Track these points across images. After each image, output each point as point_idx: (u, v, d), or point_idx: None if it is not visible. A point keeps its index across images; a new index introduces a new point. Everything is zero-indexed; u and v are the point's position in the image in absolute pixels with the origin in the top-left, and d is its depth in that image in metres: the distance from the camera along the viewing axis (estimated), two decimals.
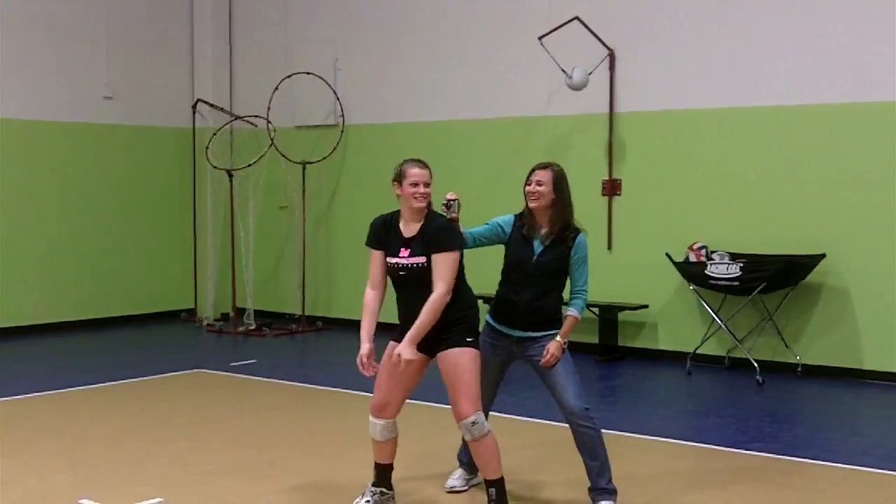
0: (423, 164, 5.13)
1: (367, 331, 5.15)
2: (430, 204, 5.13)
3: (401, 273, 5.08)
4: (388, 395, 5.18)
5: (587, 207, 9.75)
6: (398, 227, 5.13)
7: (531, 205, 5.28)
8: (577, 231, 5.29)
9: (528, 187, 5.30)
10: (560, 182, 5.29)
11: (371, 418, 5.24)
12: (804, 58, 9.19)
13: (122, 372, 9.27)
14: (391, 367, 5.07)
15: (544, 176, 5.28)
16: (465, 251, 5.17)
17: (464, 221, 5.31)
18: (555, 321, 5.28)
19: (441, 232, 5.03)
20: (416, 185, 5.05)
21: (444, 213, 5.23)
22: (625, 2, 10.10)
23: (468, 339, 5.05)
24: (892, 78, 8.76)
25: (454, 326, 5.04)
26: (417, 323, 4.95)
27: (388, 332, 5.24)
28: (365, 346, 5.12)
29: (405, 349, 4.93)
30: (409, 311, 5.10)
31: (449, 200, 5.27)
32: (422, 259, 5.00)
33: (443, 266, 4.97)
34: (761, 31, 9.39)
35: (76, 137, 11.92)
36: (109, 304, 12.28)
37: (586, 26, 9.95)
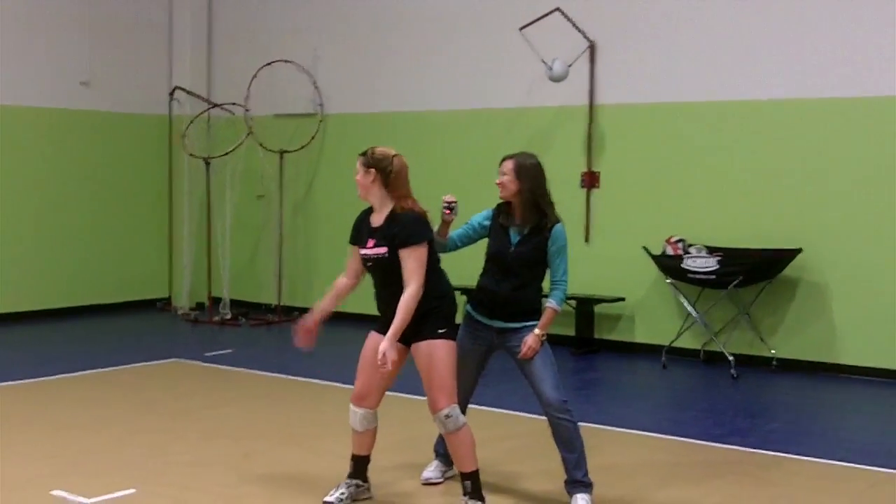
0: (361, 154, 5.12)
1: (321, 304, 5.31)
2: (397, 193, 5.06)
3: (368, 264, 5.09)
4: (369, 385, 5.17)
5: (566, 200, 9.72)
6: (369, 218, 5.14)
7: (500, 195, 5.30)
8: (554, 221, 5.28)
9: (497, 179, 5.32)
10: (524, 171, 5.25)
11: (351, 407, 5.23)
12: (783, 52, 9.21)
13: (98, 361, 9.20)
14: (377, 364, 5.04)
15: (507, 166, 5.28)
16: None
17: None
18: (534, 312, 5.27)
19: (405, 227, 4.98)
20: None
21: (447, 216, 5.21)
22: None
23: (441, 331, 5.03)
24: (872, 74, 8.80)
25: (428, 317, 5.02)
26: (395, 322, 4.91)
27: (363, 323, 5.22)
28: (310, 315, 5.25)
29: (387, 348, 4.90)
30: (380, 303, 5.15)
31: (450, 203, 5.24)
32: (383, 250, 4.98)
33: (409, 262, 4.94)
34: (741, 24, 9.41)
35: (52, 123, 11.81)
36: (85, 293, 12.19)
37: (567, 18, 9.93)
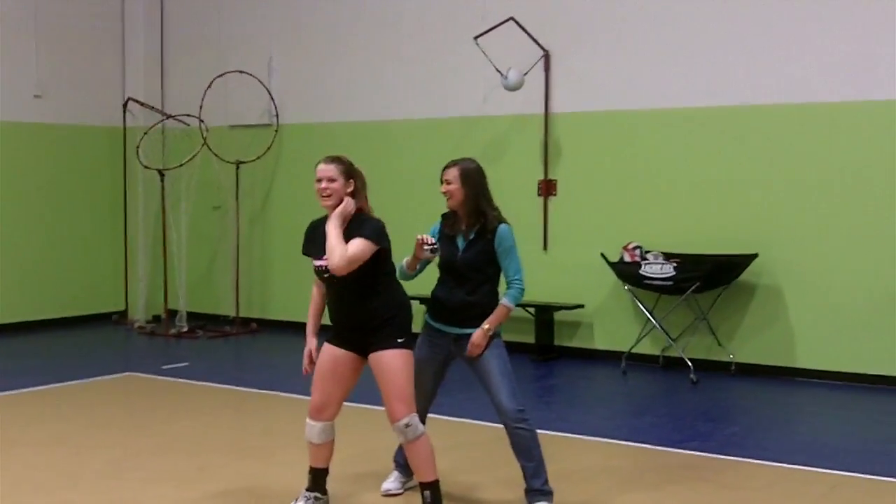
0: (331, 159, 5.02)
1: (309, 327, 5.23)
2: (362, 205, 5.04)
3: (325, 276, 5.01)
4: (326, 397, 5.12)
5: (523, 208, 9.83)
6: (324, 229, 5.03)
7: (448, 204, 5.28)
8: (498, 222, 5.26)
9: (441, 188, 5.29)
10: (468, 177, 5.26)
11: (308, 421, 5.17)
12: (734, 58, 9.27)
13: (52, 376, 9.06)
14: (334, 375, 5.02)
15: (451, 174, 5.28)
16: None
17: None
18: (489, 316, 5.24)
19: (362, 225, 4.92)
20: (319, 180, 4.97)
21: (429, 257, 5.15)
22: (559, 3, 10.12)
23: (399, 340, 4.99)
24: (824, 79, 8.87)
25: (384, 326, 4.98)
26: (335, 228, 4.87)
27: (321, 334, 5.18)
28: (308, 342, 5.18)
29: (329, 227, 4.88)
30: (337, 315, 5.09)
31: (433, 246, 5.15)
32: None
33: (355, 243, 4.84)
34: (693, 31, 9.46)
35: (4, 136, 11.64)
36: (38, 307, 12.02)
37: (521, 27, 9.94)
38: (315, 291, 5.24)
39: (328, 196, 4.95)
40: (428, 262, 5.25)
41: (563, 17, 10.09)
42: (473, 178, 5.27)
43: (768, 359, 9.21)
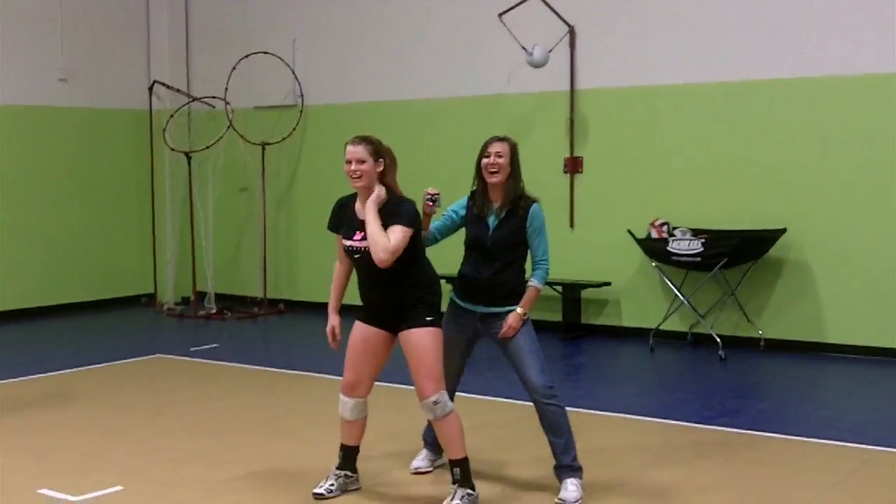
0: (360, 139, 5.00)
1: (332, 304, 5.26)
2: (390, 183, 5.04)
3: (356, 256, 5.02)
4: (359, 374, 5.15)
5: (549, 185, 9.80)
6: (354, 209, 5.05)
7: (491, 179, 5.23)
8: (531, 200, 5.25)
9: (485, 160, 5.24)
10: (515, 155, 5.28)
11: (342, 397, 5.20)
12: (762, 32, 9.19)
13: (82, 358, 9.14)
14: (366, 353, 5.06)
15: (503, 148, 5.24)
16: None
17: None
18: (517, 295, 5.24)
19: (397, 210, 4.92)
20: (349, 162, 4.96)
21: (427, 207, 5.16)
22: None
23: (428, 318, 4.99)
24: (853, 52, 8.79)
25: (414, 305, 5.00)
26: (373, 220, 4.87)
27: (348, 314, 5.18)
28: (331, 319, 5.22)
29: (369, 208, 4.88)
30: (368, 294, 5.09)
31: (433, 195, 5.18)
32: None
33: (395, 231, 4.86)
34: (720, 6, 9.38)
35: (31, 120, 11.71)
36: (68, 290, 12.11)
37: (546, 3, 9.89)
38: (338, 269, 5.24)
39: (359, 178, 4.95)
40: (431, 215, 5.22)
41: None
42: (517, 157, 5.27)
43: (797, 334, 9.16)
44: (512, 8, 9.82)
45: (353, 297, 5.20)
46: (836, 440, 6.28)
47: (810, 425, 6.66)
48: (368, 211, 4.90)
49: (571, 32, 10.04)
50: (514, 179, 5.24)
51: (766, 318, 9.29)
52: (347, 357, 5.17)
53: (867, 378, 8.28)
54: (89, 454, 6.11)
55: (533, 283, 5.23)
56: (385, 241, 4.83)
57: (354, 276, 5.20)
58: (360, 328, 5.14)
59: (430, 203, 5.20)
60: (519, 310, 5.18)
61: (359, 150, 4.95)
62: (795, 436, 6.39)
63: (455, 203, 5.41)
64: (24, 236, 11.62)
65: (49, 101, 11.89)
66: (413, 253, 4.98)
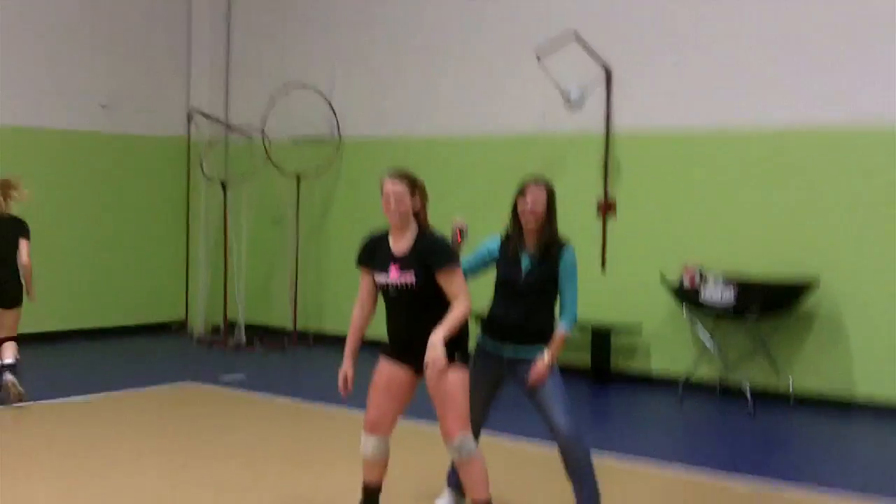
0: (398, 175, 5.00)
1: (349, 348, 5.14)
2: (423, 220, 5.06)
3: (391, 293, 5.01)
4: (382, 412, 5.12)
5: (582, 227, 9.78)
6: (388, 244, 5.05)
7: (528, 227, 5.23)
8: (564, 244, 5.25)
9: (523, 207, 5.25)
10: (553, 199, 5.29)
11: (363, 435, 5.16)
12: (803, 79, 9.15)
13: (112, 384, 9.19)
14: (390, 390, 5.02)
15: (540, 195, 5.25)
16: None
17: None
18: (545, 338, 5.23)
19: (440, 249, 4.93)
20: (387, 198, 4.96)
21: (454, 239, 5.18)
22: (622, 20, 10.08)
23: (456, 359, 4.98)
24: (891, 103, 8.74)
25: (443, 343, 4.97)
26: (445, 328, 4.79)
27: (377, 349, 5.17)
28: (345, 364, 5.11)
29: (434, 351, 4.75)
30: (397, 330, 5.06)
31: (461, 227, 5.21)
32: (410, 278, 4.92)
33: (455, 282, 4.88)
34: (759, 52, 9.37)
35: (71, 145, 11.87)
36: (101, 315, 12.19)
37: (583, 43, 9.92)
38: (357, 312, 5.16)
39: (397, 214, 4.95)
40: (458, 246, 5.22)
41: (625, 35, 10.05)
42: (554, 201, 5.28)
43: (827, 387, 9.06)
44: (550, 48, 9.85)
45: (374, 333, 5.16)
46: (865, 494, 6.19)
47: (839, 480, 6.57)
48: (439, 337, 4.81)
49: (608, 74, 10.06)
50: (550, 224, 5.25)
51: (797, 370, 9.19)
52: (370, 394, 5.15)
53: None
54: (116, 478, 6.14)
55: (561, 329, 5.22)
56: (462, 309, 4.84)
57: (380, 311, 5.18)
58: (385, 365, 5.12)
59: (459, 234, 5.21)
60: (546, 357, 5.16)
61: (397, 186, 4.96)
62: (824, 490, 6.31)
63: (489, 240, 5.41)
64: (58, 259, 11.72)
65: (89, 127, 12.04)
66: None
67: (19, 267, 8.39)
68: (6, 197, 8.43)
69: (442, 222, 5.25)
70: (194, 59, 13.03)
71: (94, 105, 12.07)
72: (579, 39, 9.87)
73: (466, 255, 5.37)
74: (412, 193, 4.98)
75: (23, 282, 8.43)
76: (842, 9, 9.00)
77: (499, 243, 5.38)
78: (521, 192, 5.29)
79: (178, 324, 12.87)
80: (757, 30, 9.39)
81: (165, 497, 5.77)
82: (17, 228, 8.49)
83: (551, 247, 5.24)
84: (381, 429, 5.13)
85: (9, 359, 8.23)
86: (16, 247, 8.39)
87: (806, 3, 9.18)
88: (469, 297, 4.90)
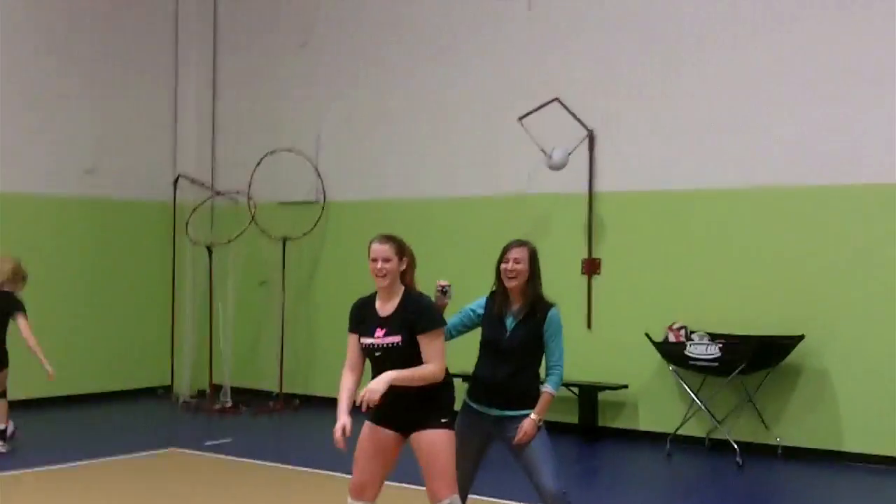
0: (385, 238, 5.05)
1: (343, 406, 5.03)
2: (409, 281, 5.10)
3: (376, 354, 5.02)
4: (367, 476, 5.09)
5: (567, 286, 9.82)
6: (374, 306, 5.08)
7: (509, 284, 5.28)
8: (549, 305, 5.28)
9: (504, 265, 5.31)
10: (534, 259, 5.34)
11: (350, 500, 5.13)
12: (781, 140, 9.28)
13: (97, 450, 9.11)
14: (374, 455, 5.01)
15: (521, 254, 5.31)
16: None
17: (449, 304, 5.28)
18: (531, 399, 5.24)
19: (425, 312, 4.97)
20: (374, 261, 5.00)
21: (438, 299, 5.22)
22: (604, 83, 10.21)
23: (443, 420, 4.98)
24: (874, 160, 8.85)
25: (429, 406, 4.98)
26: (402, 373, 4.84)
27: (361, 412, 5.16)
28: (341, 418, 4.96)
29: (375, 384, 4.81)
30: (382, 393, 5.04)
31: (444, 287, 5.27)
32: (396, 339, 4.94)
33: (435, 345, 4.93)
34: (740, 113, 9.49)
35: (56, 210, 11.88)
36: (85, 380, 12.10)
37: (566, 107, 10.03)
38: (346, 377, 5.10)
39: (384, 276, 4.99)
40: (443, 307, 5.23)
41: (606, 98, 10.17)
42: (537, 260, 5.33)
43: (815, 442, 9.06)
44: (532, 112, 9.96)
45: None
46: None
47: None
48: (387, 377, 4.85)
49: (590, 136, 10.16)
50: (532, 283, 5.29)
51: (784, 425, 9.20)
52: (356, 458, 5.12)
53: (885, 488, 8.17)
54: None
55: (547, 388, 5.23)
56: (430, 368, 4.89)
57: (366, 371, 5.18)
58: (369, 429, 5.10)
59: (442, 294, 5.25)
60: (534, 416, 5.17)
61: (385, 249, 5.01)
62: None
63: (474, 302, 5.45)
64: (43, 324, 11.55)
65: (74, 191, 12.05)
66: None
67: (29, 346, 8.80)
68: (17, 280, 8.95)
69: (429, 284, 5.29)
70: (180, 124, 13.10)
71: (79, 170, 12.10)
72: (562, 104, 9.99)
73: (451, 317, 5.39)
74: (399, 255, 5.03)
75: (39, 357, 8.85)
76: (820, 66, 9.14)
77: (484, 304, 5.41)
78: (504, 253, 5.34)
79: (163, 388, 12.80)
80: (738, 91, 9.51)
81: None
82: (10, 304, 8.88)
83: (536, 307, 5.26)
84: (367, 493, 5.10)
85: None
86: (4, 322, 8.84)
87: (782, 62, 9.32)
88: (444, 364, 4.93)
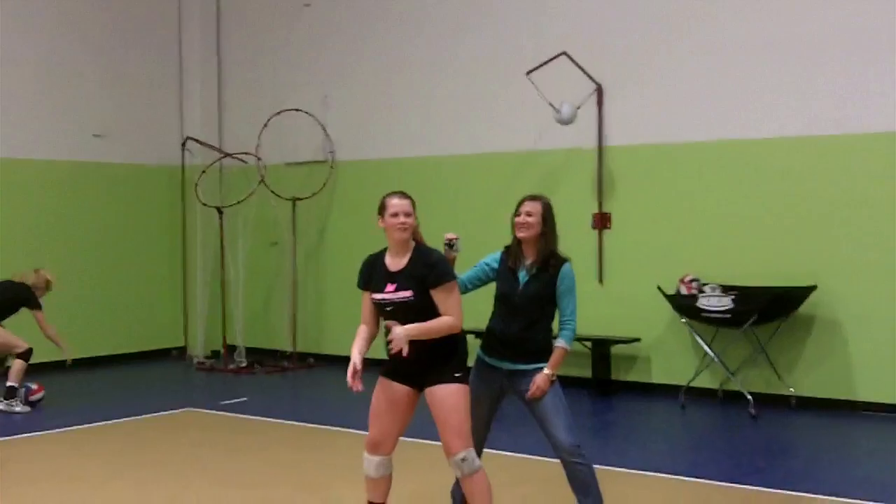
0: (403, 194, 5.10)
1: (357, 348, 5.04)
2: (418, 237, 5.11)
3: (387, 309, 5.03)
4: (383, 432, 5.14)
5: (577, 241, 9.81)
6: (384, 262, 5.10)
7: (520, 234, 5.28)
8: (562, 260, 5.28)
9: (517, 218, 5.30)
10: (548, 214, 5.32)
11: (366, 455, 5.19)
12: (792, 90, 9.22)
13: (113, 412, 9.19)
14: (390, 410, 5.05)
15: (534, 207, 5.30)
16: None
17: (459, 258, 5.29)
18: (544, 353, 5.24)
19: (436, 266, 4.99)
20: (395, 215, 5.01)
21: (446, 253, 5.23)
22: (611, 37, 10.14)
23: (456, 375, 5.00)
24: (883, 108, 8.80)
25: (442, 361, 5.00)
26: (423, 325, 4.89)
27: (376, 368, 5.19)
28: (354, 357, 4.98)
29: (401, 330, 4.84)
30: None
31: (451, 240, 5.27)
32: (408, 293, 4.96)
33: (450, 299, 4.96)
34: (748, 63, 9.43)
35: (65, 176, 11.91)
36: (100, 343, 12.20)
37: (573, 61, 9.97)
38: (362, 329, 5.15)
39: (406, 230, 5.02)
40: (451, 260, 5.24)
41: (615, 51, 10.11)
42: (551, 216, 5.32)
43: (828, 392, 9.08)
44: (540, 66, 9.91)
45: (375, 352, 5.17)
46: (868, 500, 6.19)
47: (842, 484, 6.58)
48: (417, 332, 4.90)
49: (599, 90, 10.11)
50: (546, 237, 5.28)
51: (797, 376, 9.22)
52: (371, 414, 5.16)
53: None
54: None
55: (560, 343, 5.24)
56: (448, 320, 4.92)
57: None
58: (384, 384, 5.14)
59: (449, 248, 5.25)
60: (547, 371, 5.18)
61: (406, 204, 5.04)
62: (827, 495, 6.31)
63: (489, 256, 5.45)
64: (56, 290, 11.70)
65: (84, 157, 12.08)
66: None
67: (49, 336, 9.67)
68: (45, 288, 9.74)
69: (437, 242, 5.29)
70: (187, 87, 13.08)
71: (88, 135, 12.11)
72: (570, 58, 9.93)
73: (466, 271, 5.40)
74: (414, 211, 5.05)
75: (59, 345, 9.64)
76: (828, 17, 9.07)
77: (499, 258, 5.41)
78: (518, 206, 5.34)
79: (177, 350, 12.88)
80: (747, 41, 9.45)
81: None
82: (29, 300, 9.59)
83: (549, 262, 5.26)
84: (383, 448, 5.15)
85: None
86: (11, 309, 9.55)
87: (792, 13, 9.24)
88: (461, 316, 4.96)
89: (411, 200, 5.08)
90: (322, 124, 12.12)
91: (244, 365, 11.89)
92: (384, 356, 5.12)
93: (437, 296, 4.94)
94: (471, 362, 5.23)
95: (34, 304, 9.59)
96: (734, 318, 8.93)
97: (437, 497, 5.97)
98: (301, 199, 12.14)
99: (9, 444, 8.00)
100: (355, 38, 12.03)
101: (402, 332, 4.83)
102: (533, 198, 5.36)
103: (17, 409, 9.21)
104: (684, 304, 9.30)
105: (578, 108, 9.85)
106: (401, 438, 5.23)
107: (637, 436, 8.53)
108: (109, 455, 7.59)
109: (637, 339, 9.91)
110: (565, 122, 9.83)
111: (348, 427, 8.29)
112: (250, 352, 12.22)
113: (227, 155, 12.60)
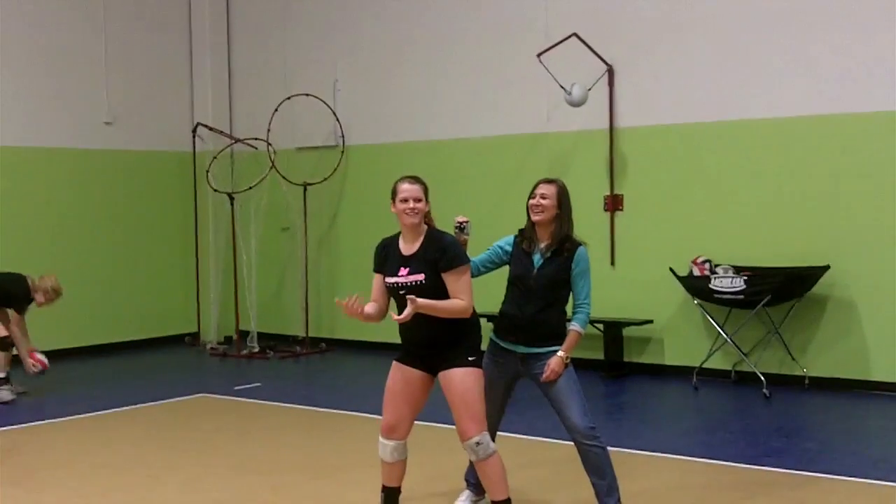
0: (414, 179, 5.09)
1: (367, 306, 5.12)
2: (430, 221, 5.11)
3: (401, 292, 5.04)
4: (398, 416, 5.15)
5: (589, 223, 9.79)
6: (397, 246, 5.11)
7: (534, 218, 5.27)
8: (577, 243, 5.27)
9: (531, 200, 5.30)
10: (563, 197, 5.31)
11: (381, 439, 5.21)
12: (803, 69, 9.17)
13: (127, 398, 9.23)
14: (404, 395, 5.07)
15: (549, 190, 5.29)
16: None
17: (470, 242, 5.28)
18: (558, 336, 5.24)
19: (448, 249, 4.99)
20: (405, 200, 5.02)
21: (457, 236, 5.22)
22: (622, 17, 10.10)
23: (470, 359, 5.01)
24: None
25: (456, 344, 5.01)
26: (436, 303, 4.90)
27: (390, 353, 5.20)
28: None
29: (413, 308, 4.84)
30: (409, 333, 5.09)
31: (461, 223, 5.28)
32: (420, 276, 4.96)
33: (460, 282, 4.96)
34: (760, 43, 9.38)
35: (77, 163, 11.93)
36: (113, 330, 12.25)
37: (584, 42, 9.93)
38: (369, 307, 5.15)
39: (416, 214, 5.02)
40: (462, 243, 5.23)
41: (625, 32, 10.07)
42: (567, 199, 5.31)
43: (842, 372, 9.07)
44: (551, 48, 9.88)
45: (388, 336, 5.18)
46: (884, 480, 6.19)
47: (857, 465, 6.57)
48: (426, 305, 4.90)
49: (610, 71, 10.07)
50: (560, 220, 5.27)
51: (811, 356, 9.20)
52: (386, 399, 5.18)
53: None
54: (135, 494, 6.16)
55: (574, 326, 5.23)
56: (458, 303, 4.92)
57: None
58: (398, 369, 5.15)
59: (460, 231, 5.25)
60: (561, 353, 5.18)
61: (416, 189, 5.04)
62: (841, 476, 6.31)
63: (502, 239, 5.45)
64: (69, 277, 11.70)
65: (95, 145, 12.10)
66: None
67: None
68: (52, 295, 9.45)
69: (448, 225, 5.29)
70: (197, 73, 13.08)
71: (99, 123, 12.13)
72: (581, 39, 9.89)
73: (479, 254, 5.40)
74: (426, 196, 5.05)
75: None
76: None
77: (513, 241, 5.41)
78: (533, 189, 5.33)
79: (190, 336, 12.92)
80: (758, 21, 9.39)
81: None
82: (19, 293, 9.35)
83: (563, 245, 5.25)
84: (398, 433, 5.17)
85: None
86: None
87: None
88: (471, 299, 4.96)
89: (423, 185, 5.07)
90: (332, 109, 12.10)
91: (257, 350, 11.92)
92: (398, 340, 5.14)
93: (449, 279, 4.94)
94: (484, 346, 5.22)
95: (15, 304, 9.35)
96: (747, 299, 8.91)
97: (452, 480, 5.99)
98: (312, 184, 12.14)
99: (25, 430, 8.04)
100: (365, 22, 12.01)
101: (411, 305, 4.83)
102: (548, 181, 5.35)
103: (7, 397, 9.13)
104: (697, 286, 9.28)
105: (589, 89, 9.82)
106: (415, 422, 5.25)
107: (650, 417, 8.53)
108: (127, 441, 7.61)
109: (650, 321, 9.90)
110: (576, 103, 9.79)
111: (362, 412, 8.31)
112: (263, 337, 12.26)
113: (237, 140, 12.60)
